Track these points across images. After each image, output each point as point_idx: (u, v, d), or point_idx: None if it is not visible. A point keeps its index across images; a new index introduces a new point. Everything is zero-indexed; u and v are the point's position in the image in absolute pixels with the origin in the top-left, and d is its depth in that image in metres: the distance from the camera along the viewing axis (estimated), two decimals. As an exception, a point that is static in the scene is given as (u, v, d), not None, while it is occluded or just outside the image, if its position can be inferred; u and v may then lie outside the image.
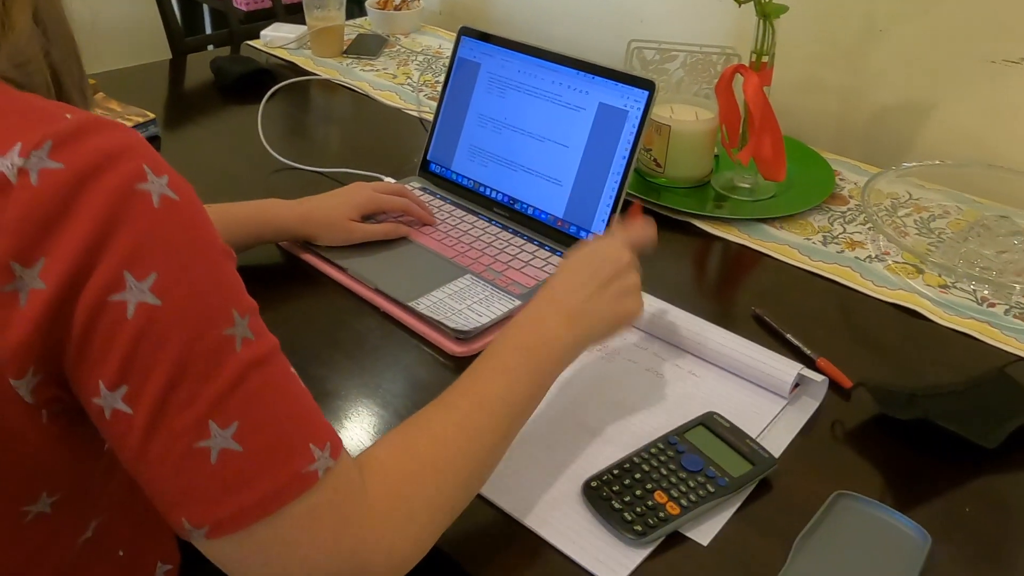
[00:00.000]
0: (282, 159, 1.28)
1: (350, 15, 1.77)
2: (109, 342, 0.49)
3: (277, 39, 1.71)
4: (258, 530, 0.52)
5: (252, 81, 1.53)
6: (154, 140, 1.34)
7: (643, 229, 0.85)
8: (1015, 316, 0.97)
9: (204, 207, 0.53)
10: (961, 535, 0.71)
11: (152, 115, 1.32)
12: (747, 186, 1.23)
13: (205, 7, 2.78)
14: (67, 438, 0.54)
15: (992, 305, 0.99)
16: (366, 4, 1.86)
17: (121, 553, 0.67)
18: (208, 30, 2.81)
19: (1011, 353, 0.92)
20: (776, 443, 0.79)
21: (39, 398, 0.51)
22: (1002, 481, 0.77)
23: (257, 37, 1.76)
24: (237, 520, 0.51)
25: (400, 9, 1.83)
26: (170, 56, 1.78)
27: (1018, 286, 0.99)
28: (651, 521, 0.69)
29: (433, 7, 2.02)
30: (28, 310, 0.47)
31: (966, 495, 0.75)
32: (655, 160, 1.23)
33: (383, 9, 1.83)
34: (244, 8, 2.34)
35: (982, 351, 0.93)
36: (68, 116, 0.49)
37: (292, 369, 0.56)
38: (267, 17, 1.98)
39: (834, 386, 0.86)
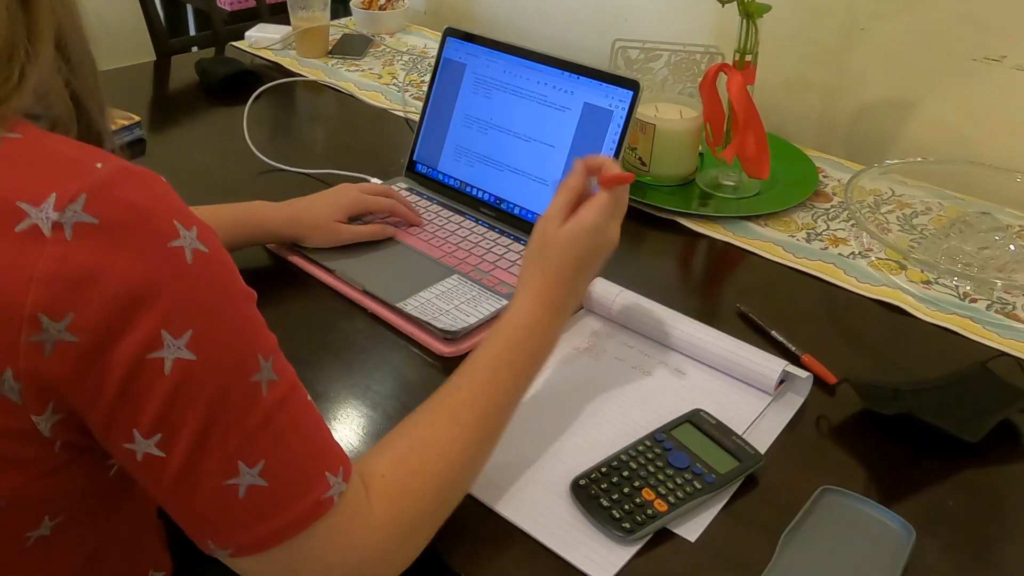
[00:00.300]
0: (268, 161, 1.28)
1: (334, 15, 1.76)
2: (146, 396, 0.50)
3: (262, 40, 1.71)
4: (278, 552, 0.56)
5: (237, 82, 1.52)
6: (139, 143, 1.33)
7: (625, 196, 0.81)
8: (996, 311, 0.99)
9: (226, 251, 0.54)
10: (945, 528, 0.72)
11: (137, 118, 1.31)
12: (731, 184, 1.24)
13: (188, 8, 2.77)
14: (75, 465, 0.56)
15: (974, 301, 1.00)
16: (351, 4, 1.85)
17: (113, 570, 0.67)
18: (192, 31, 2.80)
19: (993, 348, 0.93)
20: (762, 439, 0.80)
21: (56, 433, 0.53)
22: (985, 474, 0.78)
23: (241, 38, 1.75)
24: (260, 545, 0.55)
25: (385, 9, 1.83)
26: (154, 58, 1.77)
27: (999, 282, 1.00)
28: (639, 518, 0.70)
29: (418, 7, 2.02)
30: (55, 360, 0.48)
31: (950, 489, 0.76)
32: (640, 159, 1.24)
33: (368, 9, 1.83)
34: (228, 8, 2.33)
35: (964, 346, 0.94)
36: (99, 166, 0.50)
37: (308, 397, 0.58)
38: (251, 17, 1.97)
39: (819, 382, 0.87)
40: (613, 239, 0.79)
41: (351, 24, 1.88)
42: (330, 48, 1.72)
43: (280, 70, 1.64)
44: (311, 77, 1.60)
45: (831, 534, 0.70)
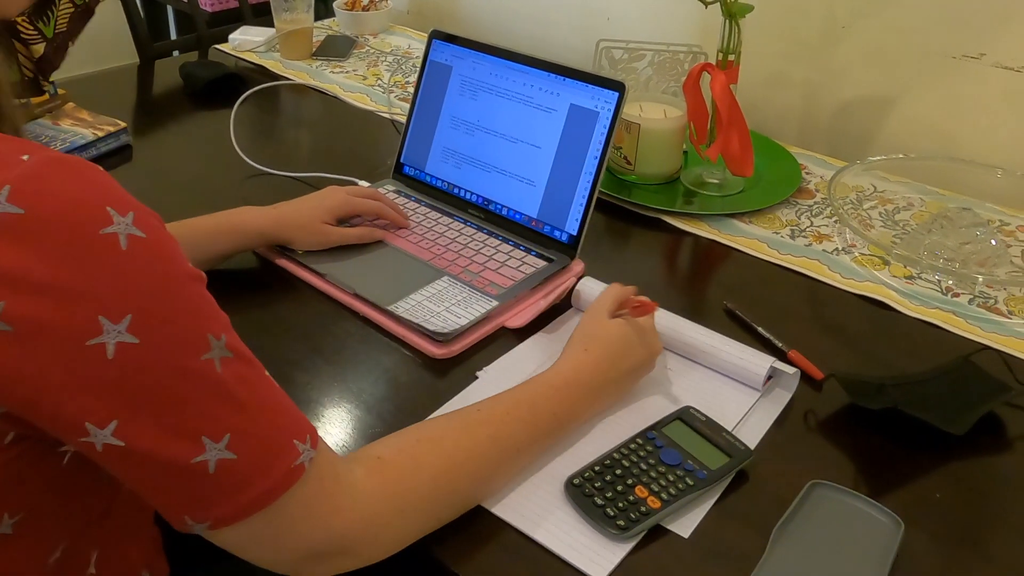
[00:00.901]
0: (255, 164, 1.28)
1: (317, 16, 1.76)
2: (93, 383, 0.50)
3: (245, 43, 1.71)
4: (256, 520, 0.57)
5: (222, 86, 1.52)
6: (126, 149, 1.33)
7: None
8: (979, 305, 1.00)
9: (170, 234, 0.54)
10: (933, 520, 0.74)
11: (123, 124, 1.31)
12: (716, 182, 1.26)
13: (169, 11, 2.76)
14: (27, 458, 0.56)
15: (956, 295, 1.02)
16: (334, 5, 1.86)
17: (93, 571, 0.67)
18: (173, 33, 2.79)
19: (976, 341, 0.95)
20: (751, 435, 0.81)
21: (3, 425, 0.52)
22: (971, 466, 0.79)
23: (225, 41, 1.75)
24: (238, 515, 0.56)
25: (368, 9, 1.84)
26: (136, 61, 1.77)
27: (981, 277, 1.02)
28: (633, 516, 0.71)
29: (401, 7, 2.02)
30: None
31: (936, 481, 0.78)
32: (625, 158, 1.25)
33: (351, 10, 1.83)
34: (209, 9, 2.33)
35: (948, 340, 0.96)
36: (25, 158, 0.49)
37: (267, 373, 0.59)
38: (233, 18, 1.96)
39: (806, 377, 0.88)
40: (655, 349, 0.85)
41: (334, 25, 1.88)
42: (314, 50, 1.72)
43: (264, 73, 1.64)
44: (296, 80, 1.60)
45: (822, 528, 0.72)
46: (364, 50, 1.75)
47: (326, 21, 1.90)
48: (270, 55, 1.71)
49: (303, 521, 0.59)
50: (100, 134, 1.27)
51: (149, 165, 1.32)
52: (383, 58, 1.71)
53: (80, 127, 1.27)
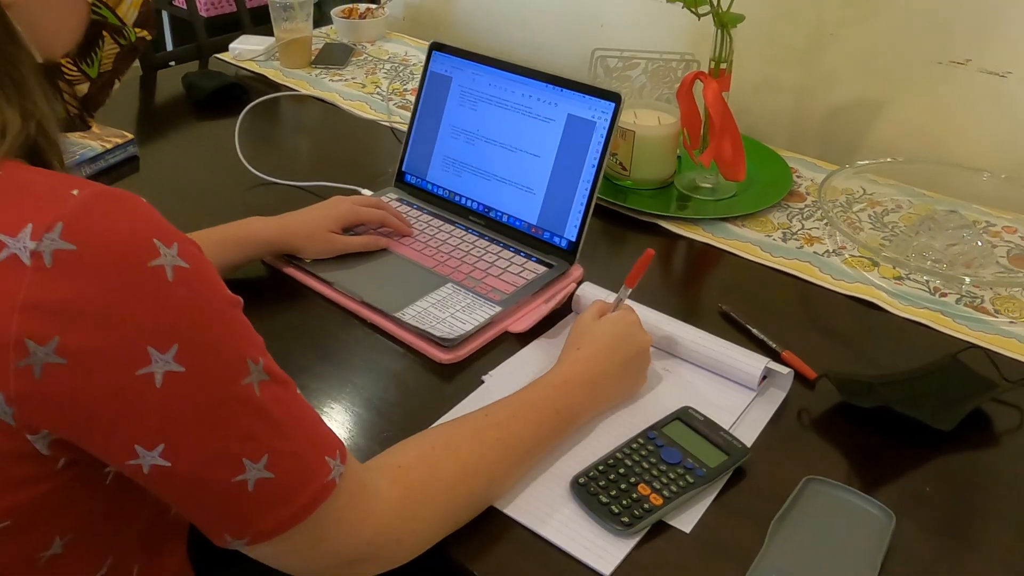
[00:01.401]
0: (260, 174, 1.30)
1: (315, 24, 1.79)
2: (143, 410, 0.53)
3: (246, 52, 1.73)
4: (292, 534, 0.60)
5: (224, 96, 1.55)
6: (133, 160, 1.36)
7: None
8: (966, 305, 1.04)
9: (208, 261, 0.57)
10: (923, 513, 0.77)
11: (130, 135, 1.34)
12: (709, 186, 1.29)
13: (165, 19, 2.78)
14: (76, 481, 0.58)
15: (944, 295, 1.05)
16: (331, 13, 1.88)
17: None
18: (168, 38, 2.81)
19: (963, 340, 0.98)
20: (748, 433, 0.85)
21: (56, 451, 0.55)
22: (959, 460, 0.83)
23: (225, 49, 1.78)
24: (275, 531, 0.59)
25: (365, 17, 1.86)
26: (138, 71, 1.79)
27: (968, 278, 1.05)
28: (637, 512, 0.74)
29: (397, 14, 2.05)
30: (45, 383, 0.51)
31: (926, 475, 0.81)
32: (621, 164, 1.28)
33: (348, 18, 1.86)
34: (204, 14, 2.35)
35: (936, 339, 0.99)
36: (75, 193, 0.52)
37: (298, 391, 0.62)
38: (229, 23, 1.98)
39: (799, 377, 0.92)
40: (644, 342, 0.89)
41: (332, 32, 1.91)
42: (313, 58, 1.74)
43: (265, 81, 1.67)
44: (299, 90, 1.62)
45: (817, 521, 0.75)
46: (362, 58, 1.78)
47: (324, 29, 1.93)
48: (270, 64, 1.74)
49: (335, 532, 0.62)
50: (108, 146, 1.29)
51: (156, 176, 1.34)
52: (381, 66, 1.74)
53: (88, 139, 1.29)
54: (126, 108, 1.58)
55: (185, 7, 1.83)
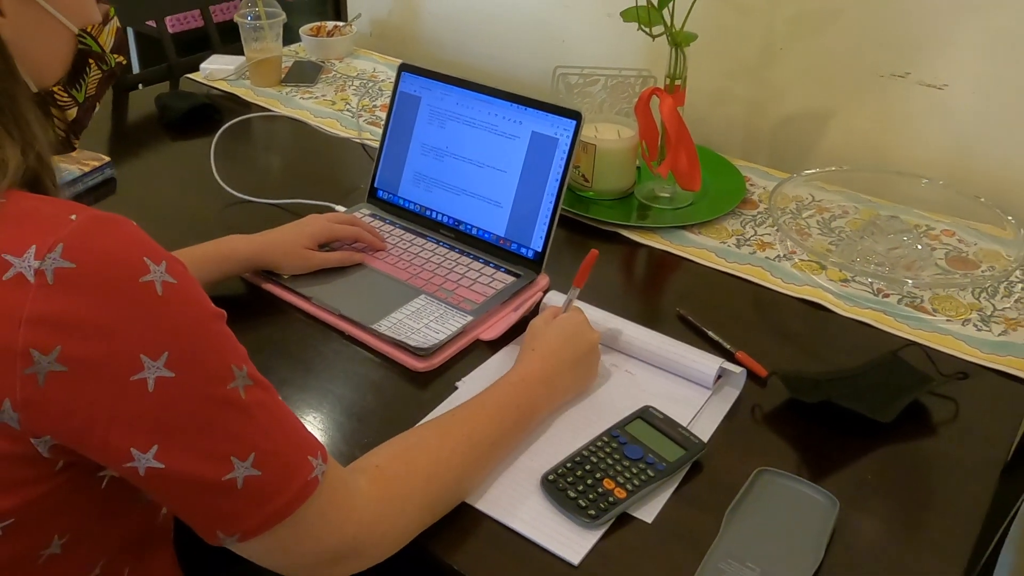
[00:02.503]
0: (236, 193, 1.35)
1: (283, 41, 1.83)
2: (137, 414, 0.58)
3: (217, 71, 1.78)
4: (279, 530, 0.64)
5: (197, 116, 1.59)
6: (110, 182, 1.39)
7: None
8: (906, 305, 1.11)
9: (193, 277, 0.62)
10: (866, 499, 0.83)
11: (107, 158, 1.37)
12: (667, 196, 1.35)
13: (131, 35, 2.79)
14: (73, 483, 0.63)
15: (886, 296, 1.12)
16: (300, 31, 1.92)
17: None
18: (135, 60, 2.82)
19: (903, 338, 1.05)
20: (704, 429, 0.91)
21: (55, 454, 0.60)
22: (899, 450, 0.89)
23: (195, 69, 1.81)
24: (263, 527, 0.64)
25: (333, 35, 1.91)
26: (110, 93, 1.82)
27: (909, 279, 1.12)
28: (602, 505, 0.80)
29: (364, 30, 2.10)
30: (48, 389, 0.56)
31: (869, 464, 0.88)
32: (583, 176, 1.34)
33: (316, 36, 1.90)
34: (171, 30, 2.37)
35: (878, 337, 1.06)
36: (73, 217, 0.57)
37: (279, 395, 0.67)
38: (197, 38, 2.00)
39: (752, 376, 0.98)
40: (593, 339, 0.96)
41: (300, 50, 1.95)
42: (283, 76, 1.79)
43: (236, 100, 1.71)
44: (271, 108, 1.67)
45: (768, 509, 0.81)
46: (331, 75, 1.83)
47: (292, 47, 1.97)
48: (240, 82, 1.78)
49: (319, 528, 0.67)
50: (86, 169, 1.33)
51: (134, 197, 1.38)
52: (350, 82, 1.79)
53: (66, 163, 1.33)
54: (100, 130, 1.61)
55: (155, 26, 1.86)
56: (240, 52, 1.78)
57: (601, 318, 1.03)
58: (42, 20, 0.68)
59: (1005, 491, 0.92)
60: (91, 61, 0.74)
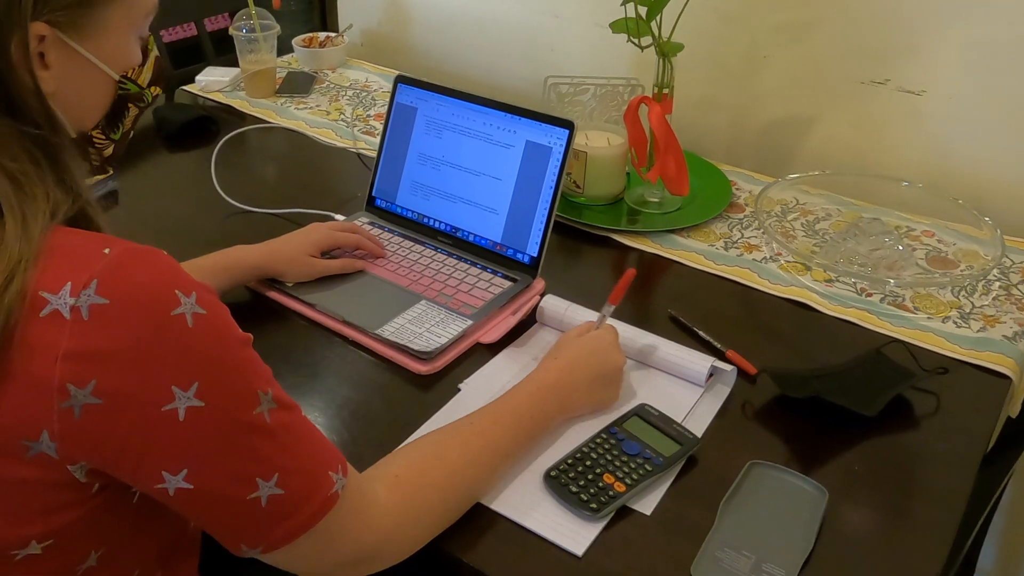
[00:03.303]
0: (236, 203, 1.37)
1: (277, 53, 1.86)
2: (169, 442, 0.61)
3: (212, 83, 1.80)
4: (301, 541, 0.68)
5: (195, 128, 1.62)
6: (112, 195, 1.42)
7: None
8: (889, 304, 1.15)
9: (222, 305, 0.65)
10: (853, 488, 0.88)
11: (110, 170, 1.40)
12: (656, 201, 1.39)
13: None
14: (108, 503, 0.66)
15: (869, 295, 1.17)
16: (292, 42, 1.95)
17: None
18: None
19: (886, 335, 1.09)
20: (698, 425, 0.95)
21: (91, 477, 0.63)
22: (884, 442, 0.94)
23: (190, 81, 1.84)
24: (285, 539, 0.67)
25: (325, 46, 1.94)
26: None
27: (891, 279, 1.17)
28: (603, 499, 0.84)
29: (355, 40, 2.13)
30: (84, 421, 0.59)
31: (855, 455, 0.92)
32: (575, 182, 1.38)
33: (309, 47, 1.94)
34: (164, 39, 2.38)
35: (862, 335, 1.10)
36: (106, 251, 0.60)
37: (303, 412, 0.70)
38: (190, 47, 1.99)
39: (742, 373, 1.02)
40: (619, 361, 0.97)
41: (293, 61, 1.98)
42: (277, 87, 1.82)
43: (232, 112, 1.74)
44: (267, 119, 1.69)
45: (760, 500, 0.85)
46: (324, 85, 1.86)
47: (285, 57, 2.00)
48: (235, 94, 1.81)
49: (339, 538, 0.70)
50: (91, 182, 1.35)
51: (137, 209, 1.41)
52: (343, 92, 1.82)
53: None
54: (100, 141, 1.63)
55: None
56: (234, 63, 1.81)
57: (596, 320, 1.06)
58: (85, 70, 0.69)
59: (985, 480, 0.97)
60: (130, 104, 0.77)
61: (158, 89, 0.81)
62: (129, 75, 0.75)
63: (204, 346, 0.62)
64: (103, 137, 0.75)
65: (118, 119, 0.76)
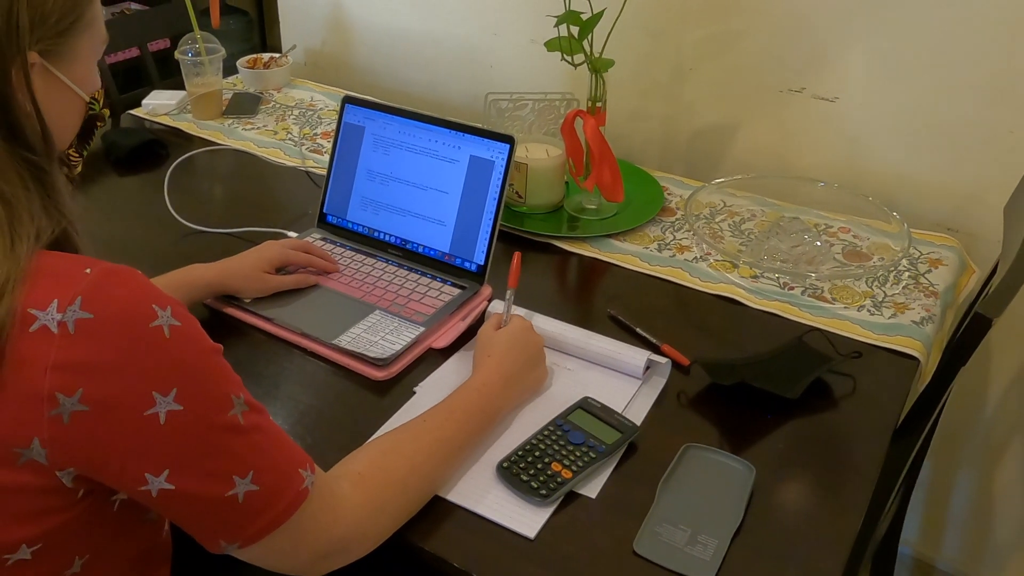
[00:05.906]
0: (190, 224, 1.41)
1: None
2: (151, 443, 0.66)
3: (159, 107, 1.83)
4: (276, 535, 0.73)
5: (144, 152, 1.65)
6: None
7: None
8: (809, 296, 1.25)
9: (193, 317, 0.70)
10: (778, 464, 0.96)
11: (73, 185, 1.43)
12: (594, 207, 1.47)
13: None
14: (91, 508, 0.71)
15: (792, 288, 1.26)
16: (237, 64, 1.99)
17: None
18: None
19: (806, 324, 1.18)
20: (637, 414, 1.02)
21: (77, 484, 0.68)
22: (804, 422, 1.02)
23: (136, 105, 1.87)
24: (260, 534, 0.72)
25: (269, 67, 1.98)
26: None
27: (811, 273, 1.26)
28: (551, 485, 0.91)
29: (299, 60, 2.17)
30: (72, 427, 0.64)
31: (780, 435, 1.00)
32: (517, 192, 1.45)
33: (253, 68, 1.97)
34: (108, 61, 2.40)
35: (785, 325, 1.19)
36: (88, 271, 0.65)
37: (270, 416, 0.75)
38: (132, 68, 2.01)
39: (676, 365, 1.10)
40: (539, 342, 1.06)
41: (238, 82, 2.02)
42: (224, 108, 1.86)
43: (180, 134, 1.77)
44: (216, 141, 1.73)
45: (695, 479, 0.93)
46: (270, 105, 1.90)
47: (230, 79, 2.03)
48: (183, 117, 1.84)
49: (311, 532, 0.75)
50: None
51: (89, 232, 1.41)
52: (289, 112, 1.87)
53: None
54: (50, 167, 1.65)
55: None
56: (178, 85, 1.84)
57: (541, 322, 1.14)
58: (63, 93, 0.75)
59: (896, 452, 1.06)
60: (97, 123, 0.83)
61: (107, 111, 0.88)
62: (96, 96, 0.81)
63: (181, 355, 0.67)
64: (77, 155, 0.81)
65: (88, 137, 0.82)
